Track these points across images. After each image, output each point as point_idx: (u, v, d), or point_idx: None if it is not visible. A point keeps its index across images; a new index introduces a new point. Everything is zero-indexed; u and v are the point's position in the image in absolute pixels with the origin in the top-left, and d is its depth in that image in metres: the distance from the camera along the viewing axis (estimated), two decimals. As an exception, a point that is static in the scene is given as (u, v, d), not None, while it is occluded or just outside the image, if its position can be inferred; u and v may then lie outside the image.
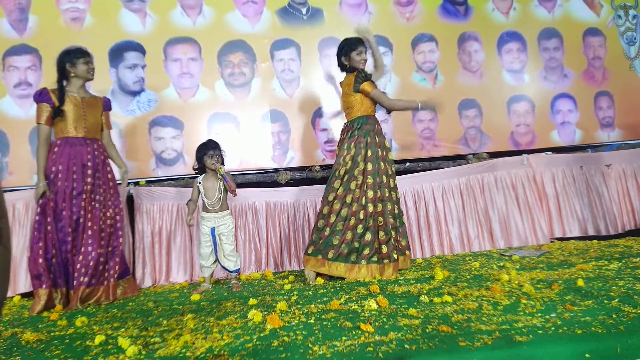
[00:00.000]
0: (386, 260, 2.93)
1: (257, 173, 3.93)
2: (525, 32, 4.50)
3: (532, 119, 4.39)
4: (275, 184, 3.92)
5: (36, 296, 2.77)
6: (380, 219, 2.99)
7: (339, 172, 3.07)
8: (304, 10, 4.16)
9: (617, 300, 1.93)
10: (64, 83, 3.00)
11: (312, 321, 1.98)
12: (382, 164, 3.07)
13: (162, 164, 3.78)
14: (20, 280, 3.32)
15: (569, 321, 1.70)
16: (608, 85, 4.57)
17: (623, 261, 2.79)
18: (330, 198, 3.04)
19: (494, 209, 3.99)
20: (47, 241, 2.83)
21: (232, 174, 3.15)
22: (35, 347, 1.94)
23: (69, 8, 3.80)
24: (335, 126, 4.04)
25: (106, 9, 3.84)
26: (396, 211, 3.11)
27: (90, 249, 2.86)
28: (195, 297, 2.75)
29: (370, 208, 2.98)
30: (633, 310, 1.75)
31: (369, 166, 3.03)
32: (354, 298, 2.38)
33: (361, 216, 2.97)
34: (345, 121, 3.24)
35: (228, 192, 3.13)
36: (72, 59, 2.98)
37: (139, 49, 3.84)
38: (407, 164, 4.12)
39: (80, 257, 2.83)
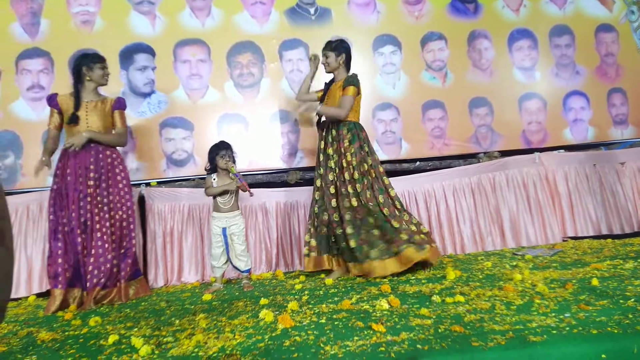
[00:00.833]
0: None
1: (266, 173, 3.94)
2: (536, 29, 4.45)
3: (544, 117, 4.34)
4: (285, 184, 3.92)
5: (52, 296, 2.81)
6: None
7: None
8: (312, 10, 4.16)
9: (633, 300, 1.90)
10: (79, 87, 3.04)
11: (323, 321, 1.98)
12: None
13: (172, 164, 3.81)
14: (35, 280, 3.37)
15: (584, 321, 1.67)
16: (621, 82, 4.50)
17: (639, 260, 2.75)
18: None
19: (505, 208, 3.95)
20: (64, 242, 2.87)
21: (242, 174, 3.16)
22: (51, 346, 1.96)
23: (80, 11, 3.84)
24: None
25: (116, 12, 3.88)
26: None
27: (101, 250, 2.88)
28: (207, 296, 2.76)
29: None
30: (650, 310, 1.73)
31: None
32: (365, 298, 2.37)
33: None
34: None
35: (239, 193, 3.15)
36: (89, 63, 3.02)
37: (149, 51, 3.87)
38: (418, 163, 4.10)
39: (92, 259, 2.86)
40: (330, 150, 3.18)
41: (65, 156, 2.99)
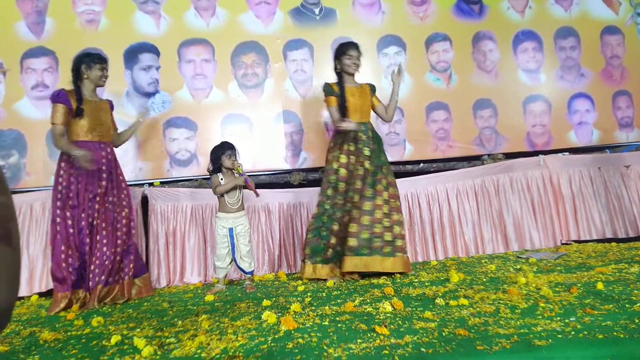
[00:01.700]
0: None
1: (270, 174, 3.93)
2: (541, 31, 4.43)
3: (549, 119, 4.32)
4: (288, 185, 3.91)
5: (55, 298, 2.80)
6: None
7: None
8: (316, 11, 4.15)
9: (639, 304, 1.88)
10: (79, 84, 3.04)
11: (326, 323, 1.97)
12: None
13: (176, 164, 3.81)
14: (36, 279, 3.37)
15: (590, 325, 1.66)
16: (627, 85, 4.48)
17: (644, 264, 2.73)
18: None
19: (509, 210, 3.94)
20: (69, 244, 2.87)
21: (247, 175, 3.16)
22: (53, 346, 1.96)
23: (85, 10, 3.85)
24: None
25: (121, 11, 3.88)
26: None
27: (105, 249, 2.89)
28: (210, 297, 2.76)
29: None
30: (656, 315, 1.71)
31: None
32: (368, 300, 2.36)
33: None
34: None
35: (243, 193, 3.15)
36: (89, 62, 3.02)
37: (154, 50, 3.87)
38: (421, 165, 4.09)
39: (94, 259, 2.86)
40: (367, 152, 3.19)
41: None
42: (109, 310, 2.68)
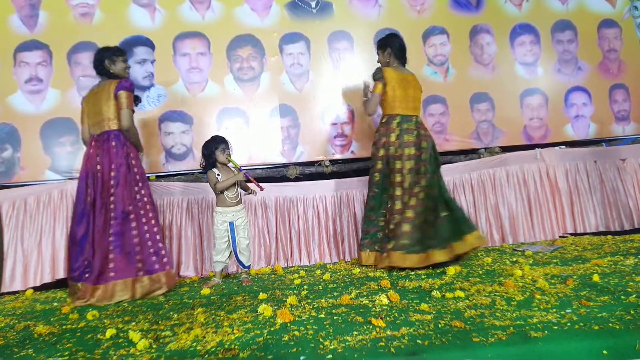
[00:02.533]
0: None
1: (266, 168, 3.92)
2: (538, 24, 4.42)
3: (546, 113, 4.31)
4: (284, 178, 3.90)
5: (73, 288, 2.82)
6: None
7: None
8: (313, 4, 4.12)
9: (634, 296, 1.88)
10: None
11: (322, 316, 1.97)
12: None
13: (171, 158, 3.79)
14: (30, 274, 3.34)
15: (585, 317, 1.66)
16: (624, 78, 4.47)
17: (639, 257, 2.73)
18: None
19: (505, 203, 3.94)
20: (94, 234, 2.84)
21: (244, 169, 3.14)
22: (48, 340, 1.95)
23: (79, 4, 3.80)
24: (345, 121, 4.02)
25: (115, 4, 3.85)
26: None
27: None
28: (206, 291, 2.75)
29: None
30: (652, 306, 1.71)
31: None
32: (364, 293, 2.36)
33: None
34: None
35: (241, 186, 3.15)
36: (111, 56, 3.03)
37: (148, 44, 3.84)
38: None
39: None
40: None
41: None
42: (104, 304, 2.67)
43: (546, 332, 1.53)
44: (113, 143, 2.92)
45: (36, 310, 2.62)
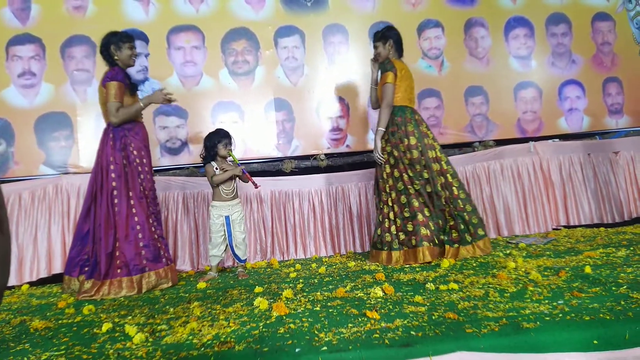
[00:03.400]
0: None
1: (261, 162, 3.92)
2: (532, 18, 4.42)
3: (539, 106, 4.33)
4: (280, 172, 3.91)
5: (68, 283, 2.85)
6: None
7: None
8: (307, -3, 4.11)
9: (625, 287, 1.91)
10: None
11: (318, 308, 1.98)
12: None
13: (167, 153, 3.78)
14: (26, 269, 3.34)
15: (577, 308, 1.68)
16: (617, 71, 4.49)
17: (631, 248, 2.77)
18: None
19: (499, 196, 3.96)
20: (95, 230, 2.84)
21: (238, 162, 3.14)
22: (44, 334, 1.96)
23: (72, -4, 3.77)
24: (339, 114, 4.02)
25: (109, -3, 3.82)
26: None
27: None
28: (202, 285, 2.76)
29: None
30: (642, 297, 1.74)
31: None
32: (359, 286, 2.38)
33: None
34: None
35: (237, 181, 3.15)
36: (117, 42, 2.92)
37: (142, 37, 3.81)
38: (413, 152, 4.08)
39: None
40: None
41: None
42: (100, 298, 2.67)
43: (538, 323, 1.56)
44: (111, 135, 2.88)
45: (32, 305, 2.63)
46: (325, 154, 3.96)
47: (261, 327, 1.78)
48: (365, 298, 2.10)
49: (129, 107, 2.89)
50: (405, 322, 1.68)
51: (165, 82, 3.81)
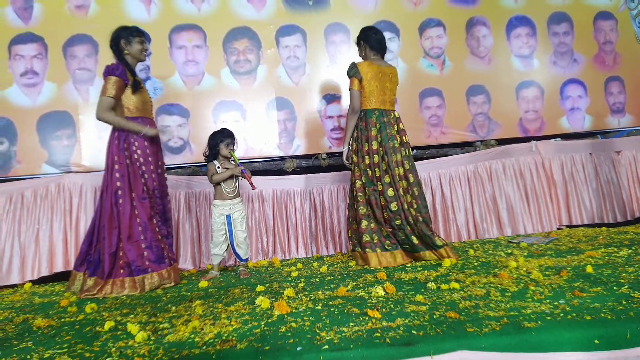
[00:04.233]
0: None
1: (263, 161, 3.93)
2: (534, 17, 4.42)
3: (541, 105, 4.33)
4: (281, 172, 3.91)
5: (73, 279, 2.85)
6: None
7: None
8: (309, -4, 4.11)
9: (626, 286, 1.91)
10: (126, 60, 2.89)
11: (319, 307, 1.99)
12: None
13: (168, 152, 3.78)
14: (28, 268, 3.35)
15: (578, 307, 1.69)
16: (619, 70, 4.49)
17: (633, 248, 2.77)
18: None
19: (501, 196, 3.96)
20: (99, 229, 2.83)
21: (240, 162, 3.15)
22: (47, 332, 1.96)
23: (74, -5, 3.78)
24: (341, 114, 4.02)
25: (111, -4, 3.82)
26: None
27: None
28: (204, 284, 2.77)
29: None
30: (643, 297, 1.74)
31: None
32: (360, 285, 2.38)
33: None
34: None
35: (239, 180, 3.15)
36: (127, 36, 2.87)
37: (144, 36, 3.80)
38: (414, 151, 4.08)
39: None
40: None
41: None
42: (102, 296, 2.68)
43: (539, 322, 1.56)
44: (116, 134, 2.85)
45: (35, 303, 2.64)
46: (327, 153, 3.97)
47: (263, 325, 1.78)
48: (366, 297, 2.10)
49: (118, 117, 2.79)
50: (407, 321, 1.68)
51: (167, 81, 3.82)
